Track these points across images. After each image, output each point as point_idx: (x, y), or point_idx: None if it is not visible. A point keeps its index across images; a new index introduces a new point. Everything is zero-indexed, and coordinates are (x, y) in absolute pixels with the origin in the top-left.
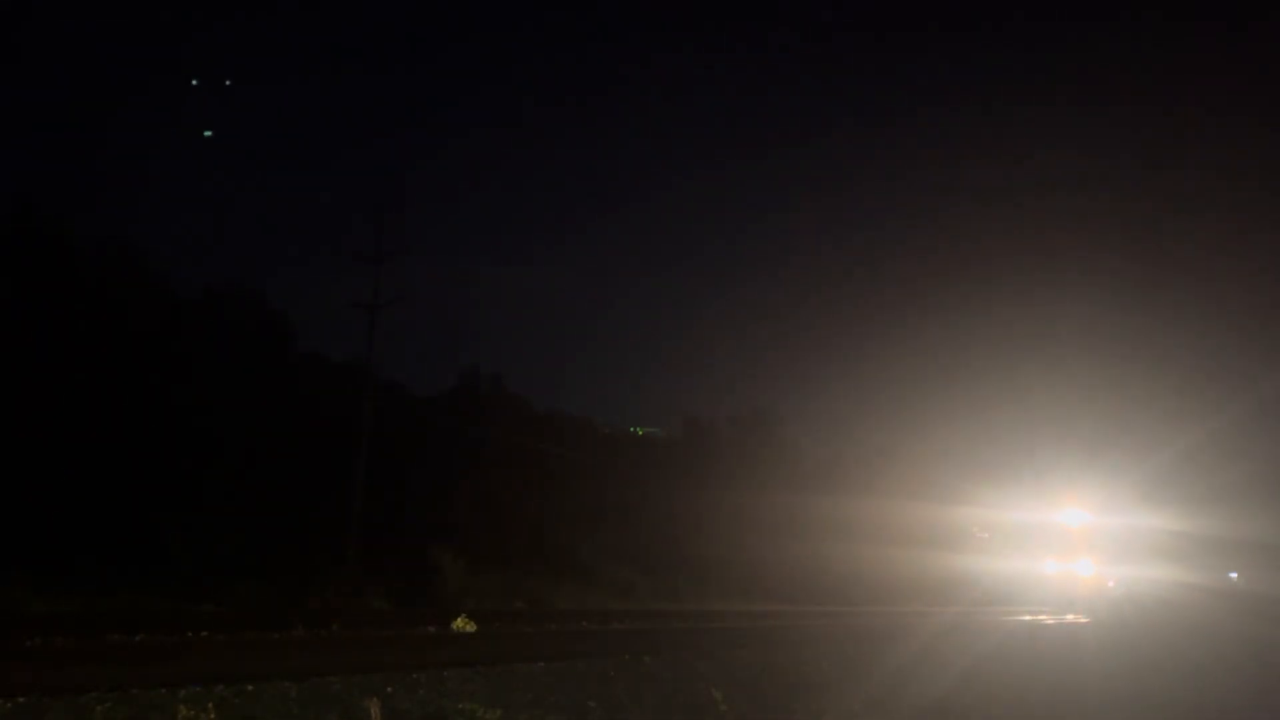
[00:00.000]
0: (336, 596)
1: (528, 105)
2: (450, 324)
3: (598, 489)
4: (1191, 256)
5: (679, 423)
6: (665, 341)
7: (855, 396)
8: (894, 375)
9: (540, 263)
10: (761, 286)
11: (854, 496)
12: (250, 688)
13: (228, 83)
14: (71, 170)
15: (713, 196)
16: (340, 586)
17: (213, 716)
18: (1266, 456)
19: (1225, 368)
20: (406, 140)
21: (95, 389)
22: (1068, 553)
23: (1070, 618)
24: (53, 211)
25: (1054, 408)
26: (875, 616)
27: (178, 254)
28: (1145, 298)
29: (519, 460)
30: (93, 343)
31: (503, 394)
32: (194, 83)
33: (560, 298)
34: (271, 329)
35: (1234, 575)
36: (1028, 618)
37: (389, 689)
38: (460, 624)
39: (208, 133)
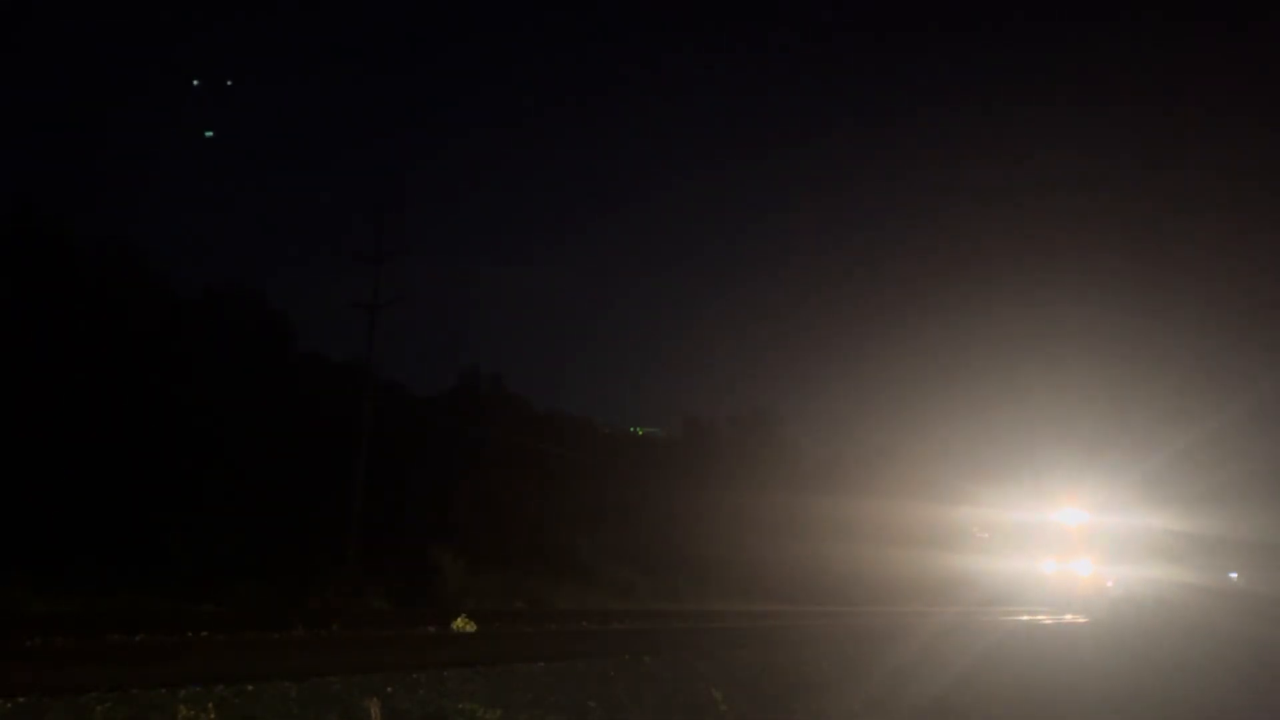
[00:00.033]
0: (336, 596)
1: (528, 105)
2: (450, 324)
3: (598, 489)
4: (1191, 256)
5: (679, 423)
6: (665, 341)
7: (855, 396)
8: (894, 375)
9: (540, 263)
10: (761, 286)
11: (854, 496)
12: (250, 688)
13: (228, 83)
14: (71, 170)
15: (713, 196)
16: (340, 586)
17: (213, 716)
18: (1266, 456)
19: (1225, 368)
20: (406, 140)
21: (95, 389)
22: (1067, 552)
23: (1069, 618)
24: (53, 211)
25: (1054, 408)
26: (875, 616)
27: (178, 254)
28: (1145, 298)
29: (519, 460)
30: (93, 343)
31: (503, 394)
32: (194, 83)
33: (560, 298)
34: (271, 329)
35: (1234, 575)
36: (1026, 618)
37: (389, 689)
38: (460, 624)
39: (208, 133)
